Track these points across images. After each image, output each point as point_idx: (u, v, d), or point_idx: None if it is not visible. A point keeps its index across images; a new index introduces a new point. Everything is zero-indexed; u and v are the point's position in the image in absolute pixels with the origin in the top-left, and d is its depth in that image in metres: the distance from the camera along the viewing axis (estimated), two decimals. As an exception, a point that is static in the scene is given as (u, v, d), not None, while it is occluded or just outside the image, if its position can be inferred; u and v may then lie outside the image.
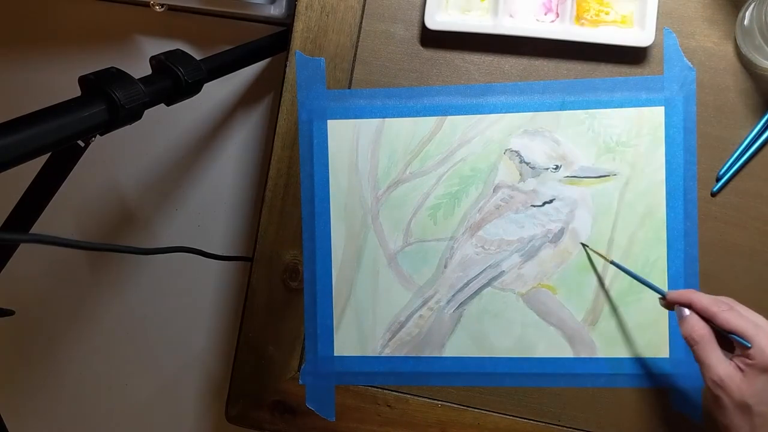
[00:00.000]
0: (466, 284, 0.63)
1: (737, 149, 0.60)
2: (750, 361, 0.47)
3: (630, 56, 0.61)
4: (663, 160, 0.61)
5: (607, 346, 0.62)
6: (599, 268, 0.62)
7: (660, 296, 0.55)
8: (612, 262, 0.60)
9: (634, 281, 0.61)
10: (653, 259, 0.61)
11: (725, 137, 0.61)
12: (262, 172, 1.16)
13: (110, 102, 0.58)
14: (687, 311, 0.51)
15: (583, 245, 0.62)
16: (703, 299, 0.51)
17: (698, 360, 0.50)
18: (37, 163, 0.59)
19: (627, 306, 0.62)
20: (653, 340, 0.61)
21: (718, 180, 0.61)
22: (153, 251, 0.64)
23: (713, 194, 0.61)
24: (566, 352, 0.62)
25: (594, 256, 0.61)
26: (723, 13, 0.61)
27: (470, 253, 0.63)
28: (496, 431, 0.63)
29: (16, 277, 1.19)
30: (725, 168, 0.60)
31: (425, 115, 0.63)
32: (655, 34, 0.60)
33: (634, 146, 0.61)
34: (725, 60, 0.61)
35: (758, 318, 0.49)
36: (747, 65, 0.61)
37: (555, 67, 0.62)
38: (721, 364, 0.48)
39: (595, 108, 0.62)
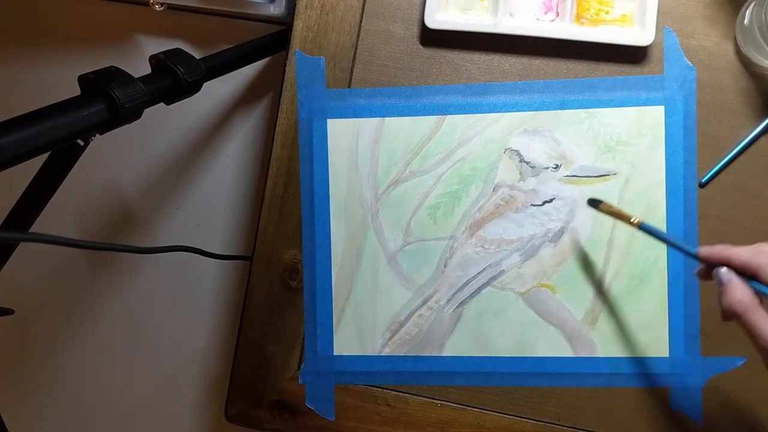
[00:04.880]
0: (466, 283, 0.63)
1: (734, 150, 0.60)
2: None
3: (630, 55, 0.61)
4: (663, 159, 0.61)
5: (606, 345, 0.62)
6: (599, 267, 0.62)
7: (697, 269, 0.49)
8: (640, 225, 0.53)
9: (634, 281, 0.61)
10: (653, 258, 0.61)
11: (725, 136, 0.61)
12: (261, 171, 1.16)
13: (110, 101, 0.58)
14: (727, 275, 0.45)
15: (594, 202, 0.59)
16: (742, 253, 0.44)
17: (746, 329, 0.44)
18: (36, 162, 0.59)
19: (627, 306, 0.62)
20: (653, 339, 0.61)
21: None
22: (152, 250, 0.64)
23: (702, 185, 0.60)
24: (566, 351, 0.62)
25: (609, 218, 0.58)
26: (723, 12, 0.61)
27: (470, 252, 0.63)
28: (496, 431, 0.63)
29: (15, 277, 1.19)
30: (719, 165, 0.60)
31: (425, 114, 0.63)
32: (655, 34, 0.59)
33: (634, 145, 0.61)
34: (725, 59, 0.61)
35: None
36: (747, 64, 0.61)
37: (555, 66, 0.62)
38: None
39: (595, 107, 0.62)
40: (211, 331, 1.20)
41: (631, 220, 0.54)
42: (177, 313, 1.21)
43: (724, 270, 0.45)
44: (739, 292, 0.44)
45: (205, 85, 0.72)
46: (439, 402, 0.64)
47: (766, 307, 0.44)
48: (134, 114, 0.60)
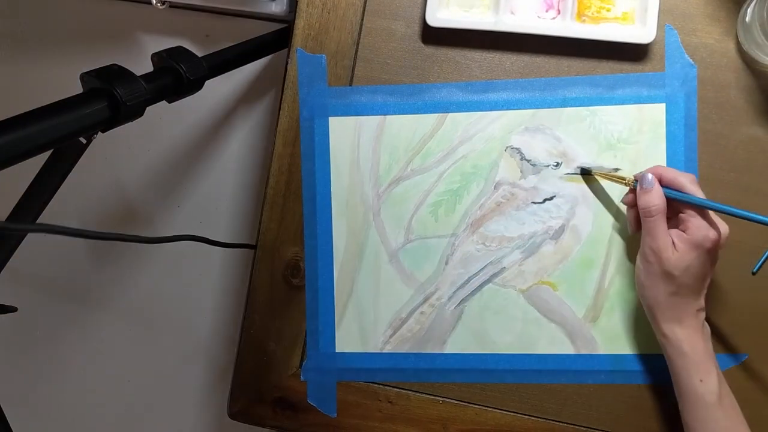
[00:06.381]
0: (467, 281, 0.64)
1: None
2: (686, 236, 0.53)
3: (631, 53, 0.61)
4: (664, 156, 0.61)
5: (608, 342, 0.62)
6: (600, 264, 0.62)
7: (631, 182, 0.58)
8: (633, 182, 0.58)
9: (635, 278, 0.61)
10: (654, 255, 0.61)
11: (726, 134, 0.61)
12: (263, 169, 1.16)
13: (112, 99, 0.58)
14: (654, 182, 0.54)
15: (585, 170, 0.62)
16: (670, 170, 0.55)
17: (647, 229, 0.54)
18: (39, 160, 0.59)
19: (628, 303, 0.62)
20: (654, 336, 0.61)
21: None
22: (159, 240, 0.64)
23: (754, 273, 0.58)
24: (567, 348, 0.63)
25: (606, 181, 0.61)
26: (724, 9, 0.61)
27: (471, 249, 0.63)
28: (497, 427, 0.64)
29: (19, 271, 1.20)
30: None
31: (426, 112, 0.63)
32: (657, 31, 0.60)
33: (635, 143, 0.61)
34: (726, 57, 0.61)
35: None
36: (748, 62, 0.61)
37: (556, 64, 0.62)
38: (663, 236, 0.53)
39: (597, 105, 0.62)
40: (213, 329, 1.21)
41: (626, 181, 0.58)
42: (180, 310, 1.21)
43: (650, 176, 0.55)
44: (658, 198, 0.54)
45: (207, 83, 0.72)
46: (440, 399, 0.64)
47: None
48: (136, 112, 0.61)
